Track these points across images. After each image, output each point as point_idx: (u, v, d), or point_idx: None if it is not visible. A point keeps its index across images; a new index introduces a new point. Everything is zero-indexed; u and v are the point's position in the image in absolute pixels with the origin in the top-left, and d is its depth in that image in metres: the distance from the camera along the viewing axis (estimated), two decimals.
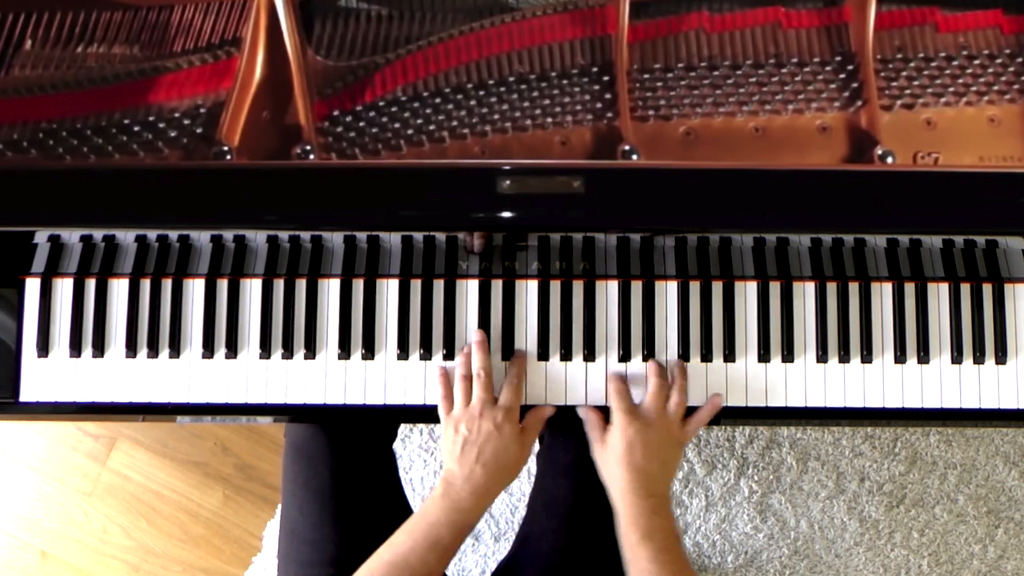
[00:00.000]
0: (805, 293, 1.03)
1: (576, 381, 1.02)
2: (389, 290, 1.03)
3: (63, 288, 1.03)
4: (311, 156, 0.94)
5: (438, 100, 0.96)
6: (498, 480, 0.95)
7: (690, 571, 0.92)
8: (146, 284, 1.03)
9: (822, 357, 1.02)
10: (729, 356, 1.02)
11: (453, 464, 0.95)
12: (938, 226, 0.96)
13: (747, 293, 1.03)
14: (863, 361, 1.02)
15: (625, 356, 1.02)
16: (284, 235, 1.02)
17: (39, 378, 1.02)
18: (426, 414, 1.03)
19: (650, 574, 0.90)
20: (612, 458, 0.95)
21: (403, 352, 1.02)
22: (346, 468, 1.09)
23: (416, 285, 1.03)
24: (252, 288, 1.03)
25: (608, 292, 1.03)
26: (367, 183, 0.94)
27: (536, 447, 1.63)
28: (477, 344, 1.00)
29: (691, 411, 1.00)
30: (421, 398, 1.02)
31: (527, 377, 1.01)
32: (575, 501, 1.08)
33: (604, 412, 1.00)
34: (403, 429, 1.64)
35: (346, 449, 1.10)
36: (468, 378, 0.99)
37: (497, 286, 1.03)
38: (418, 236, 1.02)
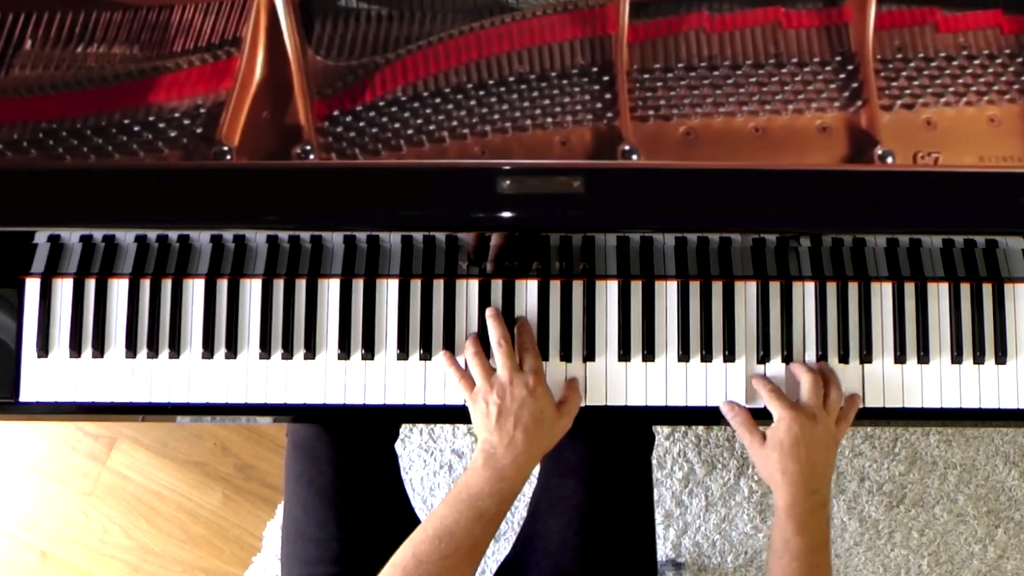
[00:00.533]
0: (805, 293, 1.03)
1: (577, 381, 1.02)
2: (389, 290, 1.03)
3: (63, 288, 1.03)
4: (311, 156, 0.94)
5: (438, 100, 0.96)
6: (540, 444, 0.95)
7: (830, 570, 0.93)
8: (146, 284, 1.03)
9: (822, 357, 1.02)
10: (729, 356, 1.02)
11: (491, 435, 0.94)
12: (938, 226, 0.96)
13: (747, 293, 1.03)
14: (863, 361, 1.02)
15: (624, 356, 1.02)
16: (284, 235, 1.02)
17: (39, 378, 1.02)
18: (426, 414, 1.03)
19: (793, 569, 0.90)
20: (778, 454, 0.95)
21: (403, 352, 1.02)
22: (349, 467, 1.09)
23: (416, 285, 1.03)
24: (252, 288, 1.03)
25: (608, 292, 1.03)
26: (367, 183, 0.94)
27: None
28: (492, 316, 1.00)
29: None
30: (421, 398, 1.02)
31: None
32: (585, 501, 1.08)
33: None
34: (403, 429, 1.64)
35: (349, 448, 1.10)
36: (479, 354, 0.99)
37: (497, 286, 1.03)
38: (418, 236, 1.02)
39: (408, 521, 1.14)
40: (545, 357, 1.02)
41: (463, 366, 1.00)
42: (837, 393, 0.99)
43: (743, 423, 0.99)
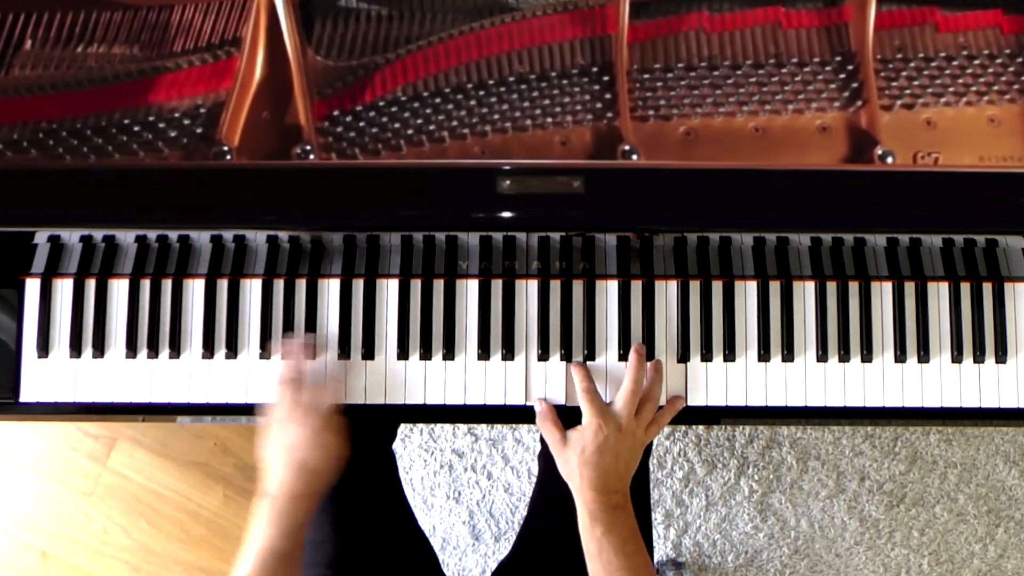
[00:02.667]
0: (805, 292, 1.03)
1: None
2: (389, 290, 1.03)
3: (63, 288, 1.03)
4: (311, 156, 0.94)
5: (438, 100, 0.96)
6: (316, 479, 0.94)
7: (647, 558, 0.94)
8: (146, 284, 1.03)
9: (822, 356, 1.02)
10: (729, 356, 1.02)
11: (270, 473, 0.94)
12: (938, 226, 0.96)
13: (747, 293, 1.03)
14: (863, 360, 1.02)
15: (624, 355, 1.02)
16: (284, 235, 1.02)
17: (39, 378, 1.02)
18: (426, 414, 1.03)
19: (613, 566, 0.91)
20: (577, 458, 0.96)
21: (403, 352, 1.02)
22: (346, 469, 1.09)
23: (416, 285, 1.03)
24: (252, 288, 1.03)
25: (608, 292, 1.03)
26: (367, 183, 0.94)
27: (536, 446, 1.63)
28: (291, 350, 0.99)
29: None
30: (421, 398, 1.02)
31: (529, 377, 1.01)
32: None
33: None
34: (403, 429, 1.64)
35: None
36: (289, 381, 0.98)
37: (497, 286, 1.03)
38: (418, 236, 1.02)
39: (405, 523, 1.14)
40: (545, 357, 1.02)
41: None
42: (652, 404, 0.99)
43: (547, 420, 0.99)
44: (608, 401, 0.99)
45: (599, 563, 0.92)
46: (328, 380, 1.00)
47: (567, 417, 1.00)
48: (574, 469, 0.96)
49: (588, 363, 1.02)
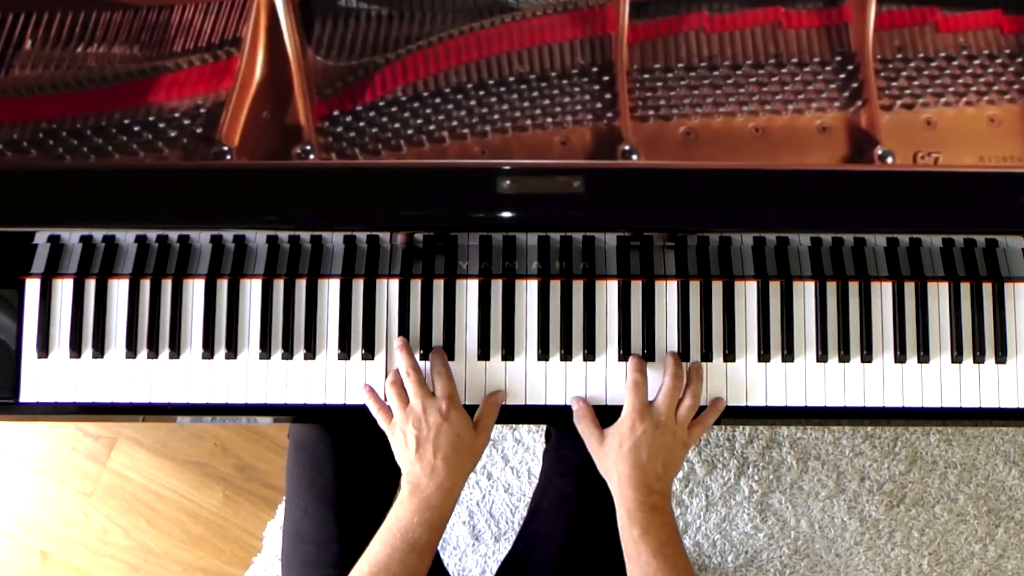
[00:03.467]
0: (805, 293, 1.03)
1: (576, 381, 1.02)
2: (389, 290, 1.03)
3: (63, 289, 1.03)
4: (311, 156, 0.94)
5: (438, 100, 0.96)
6: (461, 467, 0.95)
7: (687, 562, 0.93)
8: (146, 284, 1.03)
9: (822, 357, 1.02)
10: (729, 356, 1.02)
11: (412, 466, 0.95)
12: (938, 226, 0.96)
13: (747, 293, 1.03)
14: (863, 360, 1.02)
15: (624, 356, 1.02)
16: (284, 235, 1.02)
17: (39, 378, 1.02)
18: None
19: (652, 568, 0.90)
20: (615, 454, 0.95)
21: None
22: (350, 468, 1.09)
23: (416, 285, 1.03)
24: (252, 288, 1.03)
25: (608, 292, 1.03)
26: (367, 183, 0.94)
27: (536, 445, 1.63)
28: (400, 348, 1.00)
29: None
30: None
31: (528, 377, 1.01)
32: (586, 500, 1.08)
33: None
34: None
35: (350, 449, 1.10)
36: (396, 384, 0.99)
37: (497, 286, 1.03)
38: (418, 236, 1.02)
39: None
40: (545, 357, 1.02)
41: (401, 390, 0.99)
42: (693, 401, 0.98)
43: (583, 416, 0.99)
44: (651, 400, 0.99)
45: (637, 567, 0.92)
46: (434, 371, 1.00)
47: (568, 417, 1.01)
48: (611, 467, 0.95)
49: (588, 364, 1.02)
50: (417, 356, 1.02)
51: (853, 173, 0.94)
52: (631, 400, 0.97)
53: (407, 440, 0.96)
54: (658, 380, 1.00)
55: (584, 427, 0.99)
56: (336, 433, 1.09)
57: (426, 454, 0.94)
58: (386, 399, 1.00)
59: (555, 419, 1.03)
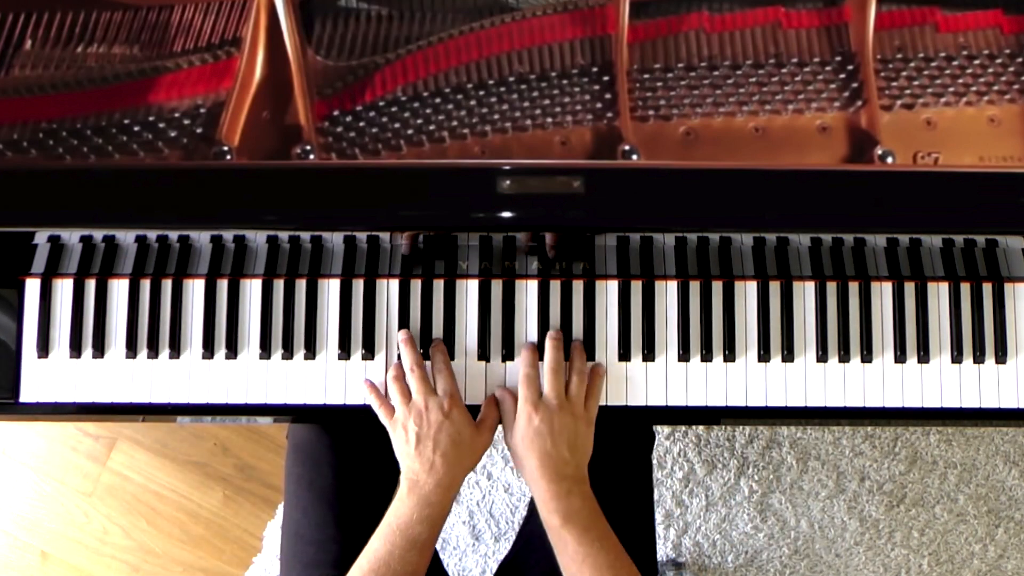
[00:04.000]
0: (805, 293, 1.03)
1: None
2: (389, 290, 1.03)
3: (63, 289, 1.03)
4: (311, 156, 0.94)
5: (438, 100, 0.96)
6: (461, 465, 0.95)
7: (615, 540, 0.92)
8: (146, 284, 1.03)
9: (822, 357, 1.02)
10: (729, 356, 1.02)
11: (412, 462, 0.95)
12: (938, 226, 0.96)
13: (747, 293, 1.03)
14: (863, 360, 1.02)
15: (624, 356, 1.02)
16: (284, 235, 1.02)
17: (39, 378, 1.02)
18: None
19: (580, 555, 0.89)
20: (521, 446, 0.95)
21: None
22: (349, 469, 1.09)
23: (416, 285, 1.03)
24: (252, 288, 1.03)
25: (608, 292, 1.03)
26: (367, 183, 0.94)
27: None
28: (404, 342, 1.00)
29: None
30: None
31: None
32: None
33: None
34: None
35: (349, 450, 1.10)
36: (399, 379, 0.99)
37: (497, 286, 1.03)
38: (418, 236, 1.02)
39: None
40: (544, 357, 1.02)
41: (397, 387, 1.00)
42: (579, 378, 0.98)
43: (506, 409, 0.99)
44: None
45: (566, 556, 0.90)
46: (435, 367, 1.00)
47: None
48: (521, 462, 0.96)
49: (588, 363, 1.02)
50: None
51: (853, 173, 0.94)
52: (522, 393, 0.97)
53: (408, 436, 0.96)
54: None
55: (507, 422, 0.99)
56: (335, 433, 1.09)
57: (426, 451, 0.94)
58: (387, 394, 1.00)
59: None
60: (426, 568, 0.94)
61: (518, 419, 0.96)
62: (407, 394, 0.98)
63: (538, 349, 1.01)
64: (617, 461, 1.11)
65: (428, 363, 1.01)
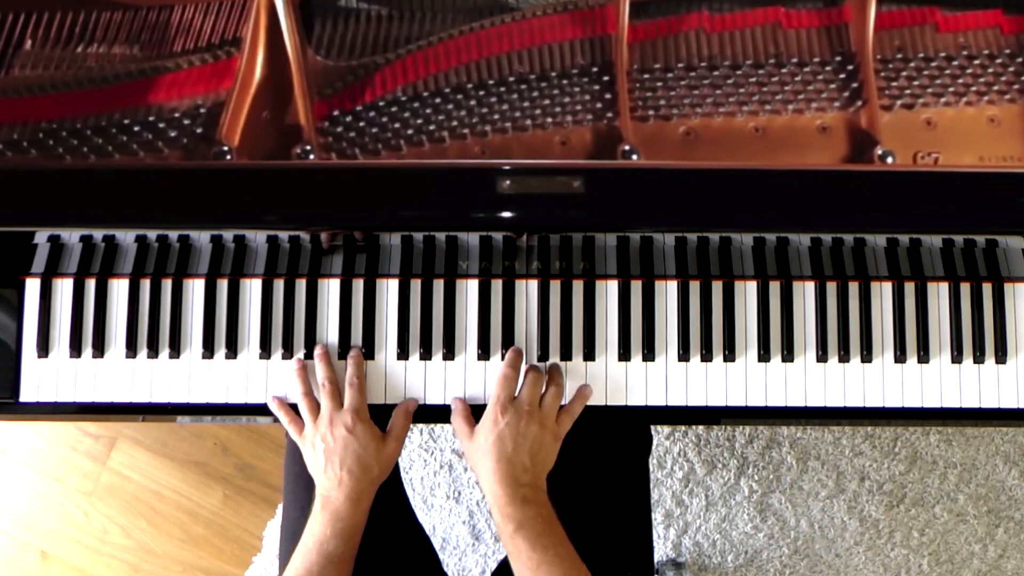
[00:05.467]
0: (805, 293, 1.03)
1: (576, 381, 1.02)
2: (389, 290, 1.03)
3: (63, 288, 1.03)
4: (311, 156, 0.94)
5: (438, 100, 0.96)
6: (368, 479, 0.95)
7: (571, 549, 0.91)
8: (146, 284, 1.03)
9: (822, 357, 1.02)
10: (729, 356, 1.02)
11: (322, 478, 0.95)
12: (938, 226, 0.96)
13: (747, 293, 1.03)
14: (863, 361, 1.02)
15: (624, 356, 1.02)
16: (284, 235, 1.02)
17: (39, 378, 1.02)
18: (427, 413, 1.03)
19: (533, 562, 0.88)
20: (481, 449, 0.95)
21: (403, 352, 1.02)
22: None
23: (416, 285, 1.03)
24: (252, 288, 1.03)
25: (608, 292, 1.03)
26: (367, 183, 0.94)
27: None
28: (319, 357, 1.00)
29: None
30: (422, 398, 1.02)
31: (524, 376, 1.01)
32: (583, 500, 1.08)
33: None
34: None
35: None
36: (307, 395, 0.99)
37: (497, 286, 1.03)
38: (418, 236, 1.02)
39: (406, 524, 1.14)
40: (545, 357, 1.02)
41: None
42: (556, 390, 0.98)
43: (457, 412, 0.99)
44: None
45: (519, 562, 0.90)
46: (347, 380, 1.00)
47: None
48: (478, 462, 0.95)
49: (588, 364, 1.02)
50: (416, 356, 1.02)
51: (853, 173, 0.94)
52: (495, 393, 0.96)
53: (316, 453, 0.96)
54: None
55: (457, 424, 0.99)
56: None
57: (333, 467, 0.94)
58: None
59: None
60: None
61: (484, 419, 0.96)
62: (316, 410, 0.98)
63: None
64: (615, 464, 1.11)
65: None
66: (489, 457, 0.93)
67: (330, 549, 0.92)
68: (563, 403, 0.99)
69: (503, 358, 1.02)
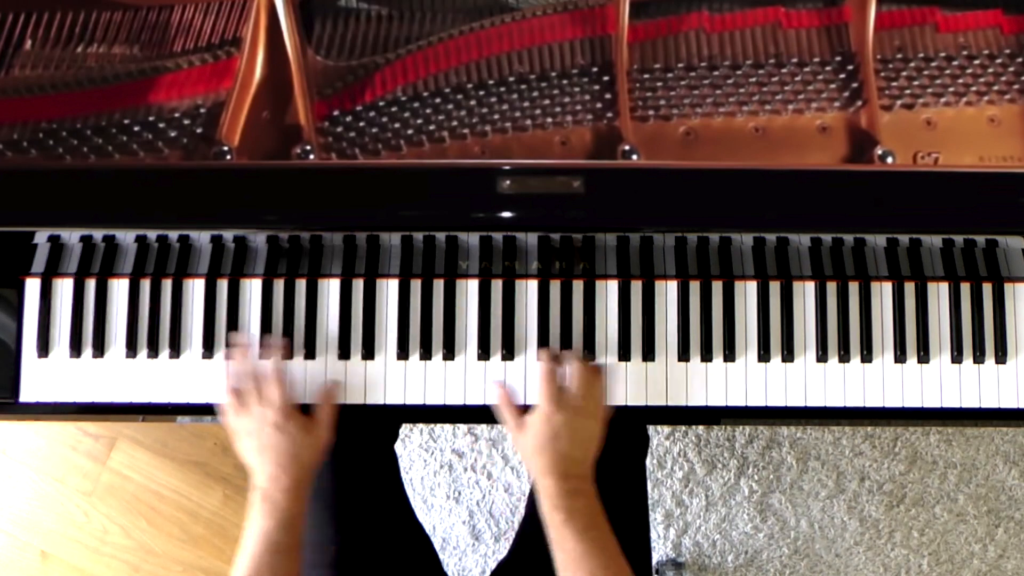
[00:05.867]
0: (805, 293, 1.03)
1: None
2: (389, 290, 1.03)
3: (63, 288, 1.03)
4: (311, 156, 0.94)
5: (438, 100, 0.96)
6: (300, 467, 0.96)
7: (614, 540, 0.92)
8: (146, 284, 1.03)
9: (822, 357, 1.02)
10: (729, 356, 1.02)
11: (254, 472, 0.96)
12: (938, 226, 0.96)
13: (747, 293, 1.03)
14: (863, 360, 1.02)
15: (624, 356, 1.02)
16: (284, 235, 1.02)
17: (39, 378, 1.02)
18: (426, 414, 1.03)
19: (577, 554, 0.90)
20: (534, 443, 0.95)
21: (403, 352, 1.02)
22: (348, 470, 1.09)
23: (416, 285, 1.03)
24: (252, 288, 1.03)
25: (608, 292, 1.03)
26: (367, 183, 0.94)
27: None
28: (245, 351, 1.00)
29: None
30: (421, 398, 1.02)
31: (529, 377, 1.01)
32: None
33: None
34: (403, 429, 1.64)
35: (348, 451, 1.10)
36: (237, 390, 0.99)
37: (497, 286, 1.03)
38: (418, 236, 1.02)
39: (407, 524, 1.14)
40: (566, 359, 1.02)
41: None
42: (597, 379, 0.99)
43: (503, 403, 0.99)
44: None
45: (563, 552, 0.91)
46: (270, 375, 1.00)
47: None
48: (530, 456, 0.95)
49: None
50: (416, 356, 1.02)
51: (853, 173, 0.94)
52: (545, 390, 0.97)
53: (248, 446, 0.96)
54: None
55: (503, 412, 0.99)
56: (334, 433, 1.09)
57: (265, 460, 0.95)
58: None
59: None
60: (298, 570, 0.94)
61: (536, 415, 0.96)
62: (246, 404, 0.98)
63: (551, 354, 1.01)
64: (612, 465, 1.11)
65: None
66: (544, 452, 0.94)
67: (276, 539, 0.92)
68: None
69: (503, 358, 1.02)
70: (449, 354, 1.02)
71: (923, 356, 1.02)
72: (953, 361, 1.02)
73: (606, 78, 0.97)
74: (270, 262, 1.04)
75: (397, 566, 1.09)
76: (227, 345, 1.02)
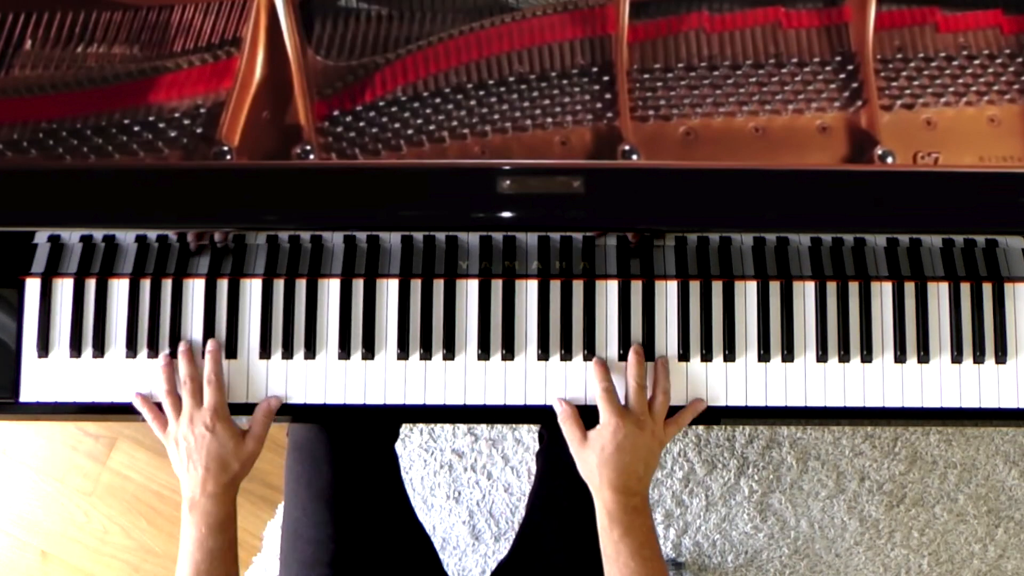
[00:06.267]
0: (805, 293, 1.03)
1: (577, 381, 1.02)
2: (389, 290, 1.03)
3: (63, 288, 1.03)
4: (311, 156, 0.94)
5: (438, 100, 0.96)
6: (229, 476, 0.96)
7: (663, 565, 0.94)
8: (146, 284, 1.03)
9: (822, 357, 1.02)
10: (729, 356, 1.02)
11: (184, 476, 0.96)
12: (938, 226, 0.96)
13: (747, 293, 1.03)
14: (863, 360, 1.02)
15: (625, 356, 1.02)
16: (284, 235, 1.02)
17: (39, 378, 1.02)
18: (426, 414, 1.03)
19: (629, 569, 0.91)
20: (597, 457, 0.95)
21: (403, 352, 1.02)
22: (348, 469, 1.09)
23: (416, 285, 1.03)
24: (252, 288, 1.03)
25: (608, 292, 1.03)
26: (367, 183, 0.94)
27: (536, 446, 1.63)
28: (183, 353, 1.00)
29: (672, 411, 1.00)
30: (421, 398, 1.02)
31: (528, 377, 1.01)
32: (580, 501, 1.08)
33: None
34: (403, 429, 1.64)
35: (348, 450, 1.10)
36: (171, 393, 0.99)
37: (497, 286, 1.03)
38: (418, 236, 1.02)
39: (407, 523, 1.14)
40: (545, 357, 1.02)
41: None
42: (664, 397, 0.99)
43: (568, 419, 0.99)
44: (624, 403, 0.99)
45: (616, 566, 0.92)
46: (205, 378, 1.00)
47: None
48: (593, 469, 0.95)
49: (588, 364, 1.02)
50: (416, 356, 1.02)
51: (853, 173, 0.94)
52: (607, 406, 0.97)
53: (179, 451, 0.97)
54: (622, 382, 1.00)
55: (568, 429, 0.99)
56: (334, 433, 1.09)
57: (195, 466, 0.95)
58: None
59: (555, 420, 1.03)
60: (237, 571, 0.96)
61: (602, 429, 0.96)
62: (179, 407, 0.98)
63: (550, 357, 1.01)
64: None
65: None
66: (608, 467, 0.94)
67: (210, 545, 0.93)
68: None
69: (503, 358, 1.02)
70: (449, 354, 1.02)
71: (923, 356, 1.02)
72: (953, 361, 1.02)
73: (606, 78, 0.97)
74: (270, 262, 1.04)
75: (397, 566, 1.09)
76: (161, 351, 1.02)
